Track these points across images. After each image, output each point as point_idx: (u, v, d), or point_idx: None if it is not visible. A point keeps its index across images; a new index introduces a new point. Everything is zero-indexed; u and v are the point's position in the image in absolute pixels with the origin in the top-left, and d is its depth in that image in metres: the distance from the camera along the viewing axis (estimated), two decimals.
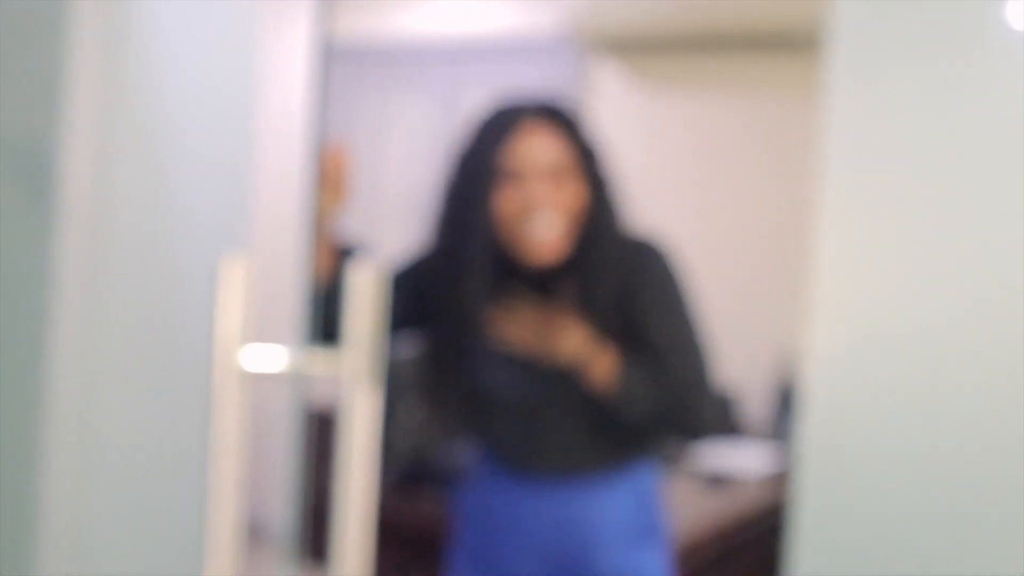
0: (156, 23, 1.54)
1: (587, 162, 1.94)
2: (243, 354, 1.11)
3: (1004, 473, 1.45)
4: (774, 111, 4.41)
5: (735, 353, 4.25)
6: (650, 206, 4.48)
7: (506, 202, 1.89)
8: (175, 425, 1.20)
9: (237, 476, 1.12)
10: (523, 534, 2.02)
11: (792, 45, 4.22)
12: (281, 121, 1.34)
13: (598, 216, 1.93)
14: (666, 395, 1.93)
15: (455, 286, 1.92)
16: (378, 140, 5.33)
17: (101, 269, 1.25)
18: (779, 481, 3.54)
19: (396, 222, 5.28)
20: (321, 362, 1.13)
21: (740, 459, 3.71)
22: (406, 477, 3.13)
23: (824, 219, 1.50)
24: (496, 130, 1.94)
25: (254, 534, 1.20)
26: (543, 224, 1.87)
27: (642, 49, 4.61)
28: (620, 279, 1.94)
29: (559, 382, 1.96)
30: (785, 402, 4.11)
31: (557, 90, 4.81)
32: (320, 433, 1.25)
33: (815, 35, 4.02)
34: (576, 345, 1.90)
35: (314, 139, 1.11)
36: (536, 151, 1.90)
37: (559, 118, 1.95)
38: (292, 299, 1.17)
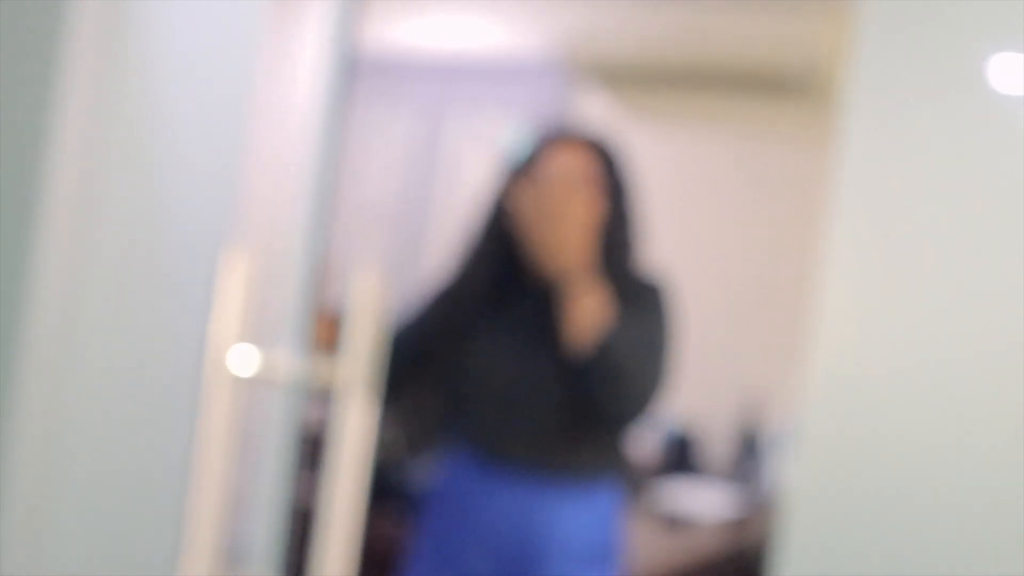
0: (155, 30, 1.52)
1: (611, 186, 2.04)
2: (236, 355, 1.07)
3: (1001, 518, 1.44)
4: (760, 152, 4.41)
5: (699, 393, 4.24)
6: None
7: (526, 202, 1.98)
8: (158, 429, 1.16)
9: (220, 484, 1.07)
10: (483, 527, 2.06)
11: (784, 88, 4.23)
12: (287, 125, 1.32)
13: (609, 235, 2.02)
14: (632, 377, 2.00)
15: (464, 273, 2.07)
16: (361, 152, 5.30)
17: (86, 266, 1.21)
18: (739, 526, 3.52)
19: (375, 234, 5.25)
20: (317, 370, 1.09)
21: (700, 501, 3.69)
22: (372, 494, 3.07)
23: (829, 264, 1.48)
24: (538, 142, 2.08)
25: (233, 551, 1.17)
26: (565, 230, 1.95)
27: (632, 80, 4.61)
28: (620, 312, 2.01)
29: (544, 370, 2.02)
30: (748, 445, 4.10)
31: (549, 113, 4.80)
32: (305, 451, 1.22)
33: (808, 79, 4.04)
34: (577, 259, 1.95)
35: (329, 146, 1.08)
36: (565, 163, 2.02)
37: (596, 145, 2.07)
38: (291, 304, 1.13)
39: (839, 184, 1.52)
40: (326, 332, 1.94)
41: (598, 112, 4.72)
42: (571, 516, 2.06)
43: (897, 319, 1.50)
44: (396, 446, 3.27)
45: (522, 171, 2.05)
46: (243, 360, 1.08)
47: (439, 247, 5.11)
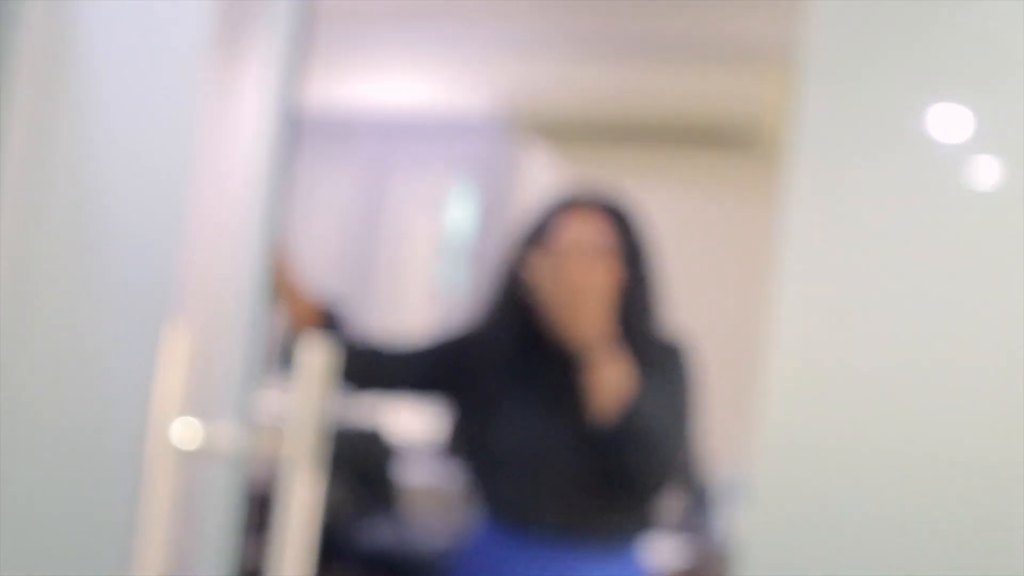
0: (92, 98, 1.50)
1: (627, 251, 2.05)
2: (178, 427, 1.05)
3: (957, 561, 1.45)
4: (706, 205, 4.45)
5: None
6: None
7: (543, 273, 1.97)
8: (101, 500, 1.14)
9: (164, 554, 1.06)
10: None
11: (727, 141, 4.27)
12: (229, 190, 1.31)
13: (628, 301, 2.02)
14: (658, 445, 1.99)
15: (492, 351, 2.06)
16: (304, 209, 5.28)
17: (26, 339, 1.19)
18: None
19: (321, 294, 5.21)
20: (263, 442, 1.08)
21: (650, 552, 3.67)
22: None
23: (778, 315, 1.50)
24: (551, 209, 2.07)
25: None
26: (582, 298, 1.95)
27: (575, 136, 4.64)
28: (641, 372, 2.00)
29: (567, 438, 2.01)
30: (698, 495, 4.10)
31: (495, 170, 4.82)
32: (254, 512, 1.20)
33: (751, 132, 4.08)
34: (598, 324, 1.95)
35: (272, 211, 1.07)
36: (580, 230, 2.02)
37: (610, 210, 2.08)
38: (235, 375, 1.12)
39: (785, 238, 1.53)
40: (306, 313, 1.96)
41: (541, 167, 4.75)
42: None
43: (846, 371, 1.51)
44: (344, 505, 3.24)
45: (537, 239, 2.05)
46: (186, 432, 1.06)
47: (387, 306, 5.11)
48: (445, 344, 2.19)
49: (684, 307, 4.20)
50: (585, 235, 2.02)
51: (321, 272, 5.13)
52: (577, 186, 2.15)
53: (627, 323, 2.01)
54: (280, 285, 1.84)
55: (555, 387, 2.03)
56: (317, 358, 1.07)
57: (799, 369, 1.54)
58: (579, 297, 1.94)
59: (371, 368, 2.15)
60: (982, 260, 1.48)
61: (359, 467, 3.04)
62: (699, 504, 4.07)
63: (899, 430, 1.48)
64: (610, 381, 1.94)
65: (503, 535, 2.09)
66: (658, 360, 2.05)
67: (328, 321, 2.06)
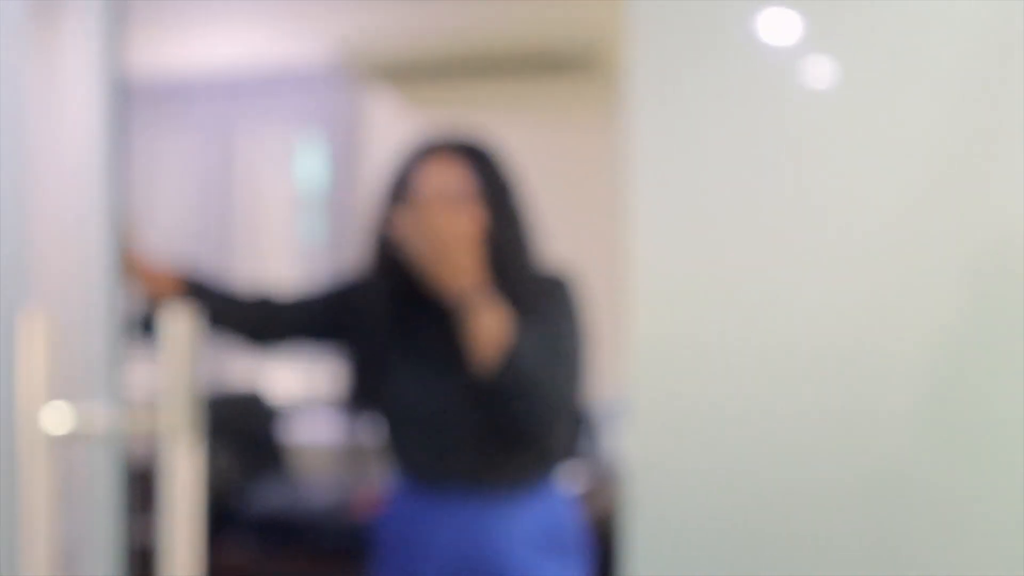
0: None
1: (491, 192, 2.02)
2: (48, 414, 1.03)
3: (827, 471, 1.49)
4: (551, 131, 4.47)
5: None
6: None
7: (407, 228, 1.95)
8: None
9: (49, 544, 1.04)
10: (435, 548, 2.05)
11: (564, 66, 4.29)
12: (69, 167, 1.28)
13: (498, 243, 1.99)
14: (537, 395, 1.99)
15: (373, 308, 2.04)
16: (150, 179, 5.17)
17: None
18: (582, 500, 3.56)
19: (178, 260, 5.12)
20: (137, 419, 1.07)
21: None
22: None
23: (635, 236, 1.52)
24: (408, 160, 2.04)
25: None
26: (444, 248, 1.93)
27: (415, 75, 4.62)
28: (522, 312, 1.99)
29: (458, 392, 2.01)
30: (584, 422, 4.15)
31: (341, 118, 4.77)
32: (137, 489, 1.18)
33: (586, 55, 4.10)
34: (469, 274, 1.94)
35: (113, 185, 1.04)
36: (439, 178, 1.99)
37: (468, 152, 2.05)
38: (98, 354, 1.09)
39: (630, 154, 1.55)
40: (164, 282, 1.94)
41: (386, 111, 4.72)
42: (518, 525, 2.05)
43: (705, 277, 1.55)
44: (229, 473, 3.21)
45: (398, 191, 2.02)
46: (56, 417, 1.04)
47: (248, 264, 5.05)
48: (330, 294, 2.17)
49: (543, 236, 4.24)
50: (444, 182, 1.99)
51: (178, 237, 5.04)
52: (432, 132, 2.11)
53: (501, 265, 2.00)
54: (129, 261, 1.76)
55: (441, 340, 2.01)
56: (181, 326, 1.06)
57: (661, 282, 1.56)
58: (446, 246, 1.92)
59: (259, 319, 2.14)
60: (822, 157, 1.50)
61: (242, 431, 3.02)
62: (585, 429, 4.12)
63: (761, 328, 1.52)
64: (487, 329, 1.93)
65: (415, 491, 2.10)
66: (538, 297, 2.05)
67: (190, 289, 2.02)
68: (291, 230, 5.03)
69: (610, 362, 4.08)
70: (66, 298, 1.24)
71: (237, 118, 5.04)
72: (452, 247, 1.92)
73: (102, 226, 1.07)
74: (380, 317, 2.06)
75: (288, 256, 5.02)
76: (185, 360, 1.05)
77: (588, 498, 3.56)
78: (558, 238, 4.31)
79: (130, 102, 1.22)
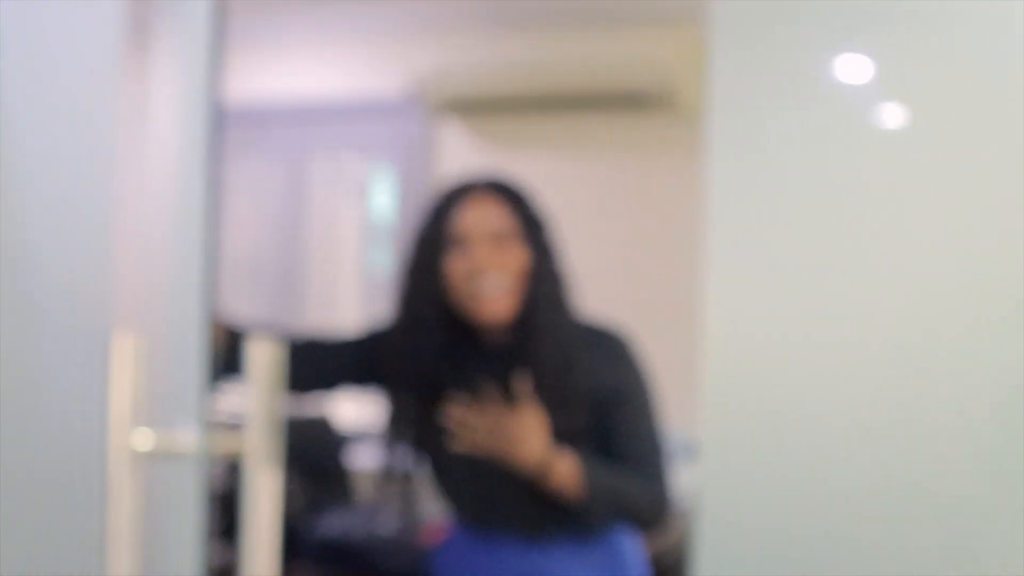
0: (10, 114, 1.48)
1: (529, 230, 2.03)
2: (136, 435, 1.06)
3: (899, 509, 1.49)
4: (626, 168, 4.48)
5: None
6: None
7: (454, 267, 1.97)
8: (66, 517, 1.15)
9: (133, 563, 1.07)
10: None
11: (640, 104, 4.30)
12: (163, 193, 1.31)
13: (541, 279, 2.00)
14: (631, 503, 2.00)
15: (415, 355, 2.02)
16: (229, 204, 5.25)
17: None
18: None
19: (242, 285, 5.20)
20: (222, 442, 1.09)
21: None
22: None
23: (710, 272, 1.53)
24: (446, 202, 2.03)
25: None
26: (489, 283, 1.95)
27: (490, 111, 4.65)
28: (587, 370, 2.00)
29: None
30: None
31: (413, 150, 4.81)
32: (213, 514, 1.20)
33: (665, 95, 4.11)
34: (536, 453, 1.94)
35: (208, 211, 1.07)
36: (480, 219, 1.99)
37: (503, 191, 2.05)
38: (187, 377, 1.12)
39: (708, 196, 1.56)
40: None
41: (457, 145, 4.76)
42: (579, 565, 2.04)
43: (780, 322, 1.55)
44: (298, 497, 3.25)
45: (436, 235, 2.01)
46: (145, 440, 1.07)
47: (318, 292, 5.11)
48: (367, 338, 2.15)
49: (618, 271, 4.25)
50: (484, 222, 1.99)
51: (250, 264, 5.11)
52: (467, 173, 2.12)
53: (540, 294, 2.00)
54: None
55: (488, 385, 2.00)
56: (267, 355, 1.08)
57: (735, 322, 1.57)
58: (489, 283, 1.94)
59: (304, 367, 2.06)
60: (898, 201, 1.52)
61: (311, 455, 3.05)
62: None
63: (834, 369, 1.52)
64: (562, 478, 1.94)
65: (471, 536, 2.09)
66: (603, 353, 2.04)
67: (231, 336, 1.98)
68: (361, 258, 5.08)
69: (672, 400, 4.07)
70: (157, 321, 1.27)
71: (312, 145, 5.12)
72: (496, 282, 1.94)
73: (196, 251, 1.10)
74: (419, 361, 2.03)
75: (356, 284, 5.07)
76: (269, 387, 1.08)
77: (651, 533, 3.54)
78: (627, 273, 4.32)
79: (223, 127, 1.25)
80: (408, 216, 4.85)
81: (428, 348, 2.02)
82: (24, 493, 1.16)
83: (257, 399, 1.08)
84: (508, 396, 1.98)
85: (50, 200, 1.54)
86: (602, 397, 2.00)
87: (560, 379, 1.97)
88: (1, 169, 1.54)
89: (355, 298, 5.05)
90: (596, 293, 4.41)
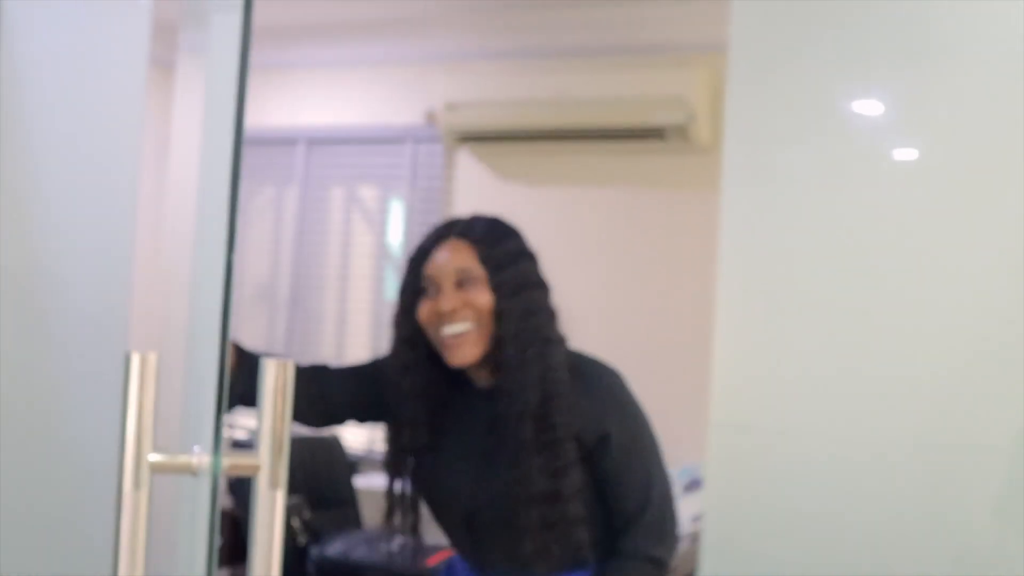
0: (34, 135, 1.50)
1: (496, 271, 2.05)
2: (149, 454, 1.08)
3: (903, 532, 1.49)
4: (640, 202, 4.50)
5: None
6: None
7: (423, 311, 2.03)
8: (80, 530, 1.16)
9: None
10: None
11: (648, 138, 4.32)
12: (182, 215, 1.33)
13: (508, 319, 2.02)
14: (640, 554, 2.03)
15: (404, 395, 2.08)
16: (242, 229, 5.29)
17: None
18: None
19: (257, 310, 5.22)
20: (233, 461, 1.11)
21: None
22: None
23: (722, 310, 1.54)
24: (424, 247, 2.10)
25: None
26: (450, 328, 2.00)
27: (507, 144, 4.68)
28: (574, 406, 2.02)
29: (506, 486, 2.00)
30: None
31: (430, 181, 4.84)
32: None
33: (681, 130, 4.12)
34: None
35: (230, 237, 1.09)
36: (447, 263, 2.04)
37: (474, 234, 2.08)
38: (203, 397, 1.14)
39: (723, 224, 1.58)
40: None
41: (474, 176, 4.79)
42: None
43: (792, 348, 1.56)
44: (304, 516, 3.25)
45: (416, 278, 2.07)
46: (159, 460, 1.09)
47: (332, 319, 5.13)
48: (372, 369, 2.20)
49: (628, 305, 4.25)
50: (451, 264, 2.03)
51: (265, 290, 5.13)
52: (450, 218, 2.18)
53: (514, 345, 2.01)
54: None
55: (478, 426, 2.04)
56: (279, 375, 1.10)
57: (745, 356, 1.57)
58: (452, 328, 1.98)
59: (309, 397, 2.10)
60: (908, 233, 1.54)
61: (319, 478, 3.05)
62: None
63: (847, 406, 1.52)
64: None
65: (464, 567, 2.12)
66: (586, 386, 2.06)
67: (241, 360, 2.01)
68: (375, 286, 5.10)
69: (680, 431, 4.07)
70: (173, 341, 1.29)
71: (329, 173, 5.16)
72: (459, 323, 1.98)
73: (215, 272, 1.12)
74: (407, 401, 2.07)
75: (370, 311, 5.09)
76: (281, 407, 1.09)
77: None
78: (642, 303, 4.32)
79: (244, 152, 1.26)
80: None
81: (413, 389, 2.07)
82: (37, 507, 1.18)
83: (269, 419, 1.09)
84: (494, 434, 2.00)
85: (71, 219, 1.56)
86: (593, 439, 2.02)
87: (541, 414, 1.99)
88: (25, 188, 1.56)
89: (369, 324, 5.07)
90: (608, 325, 4.43)
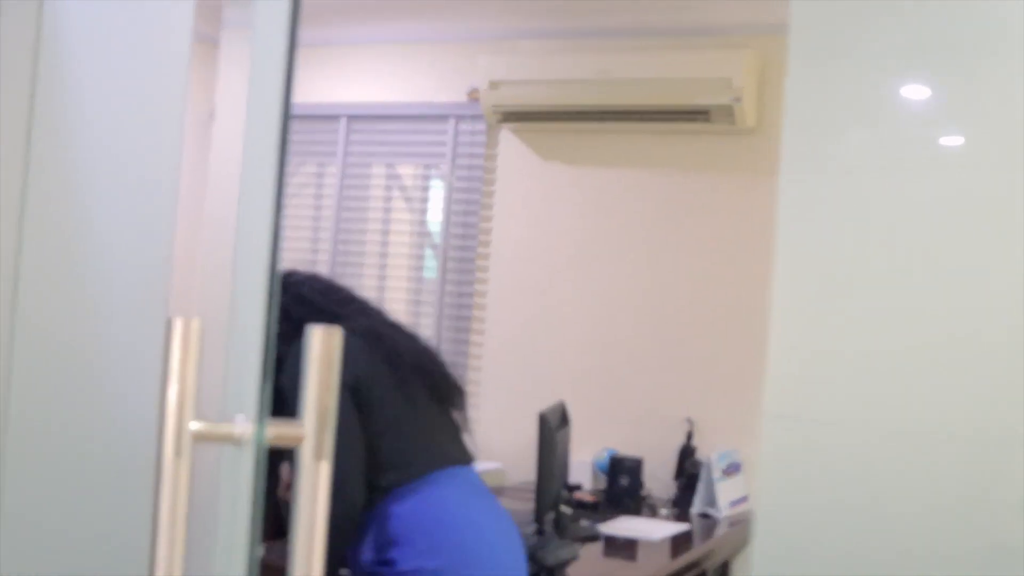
0: (80, 102, 1.49)
1: None
2: (193, 425, 1.05)
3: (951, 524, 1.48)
4: (666, 183, 4.45)
5: (641, 422, 4.24)
6: (542, 262, 4.47)
7: None
8: (115, 504, 1.14)
9: (181, 551, 1.05)
10: None
11: (693, 119, 4.27)
12: (229, 185, 1.31)
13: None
14: None
15: None
16: (289, 203, 5.27)
17: (25, 345, 1.18)
18: (684, 548, 3.54)
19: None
20: (280, 433, 1.08)
21: (644, 526, 3.69)
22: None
23: (777, 292, 1.52)
24: None
25: None
26: None
27: (539, 121, 4.65)
28: None
29: None
30: (689, 471, 4.13)
31: (472, 160, 4.80)
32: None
33: (718, 110, 4.07)
34: None
35: (277, 205, 1.07)
36: None
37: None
38: (247, 365, 1.11)
39: (780, 208, 1.55)
40: None
41: (516, 156, 4.75)
42: None
43: (846, 330, 1.54)
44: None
45: None
46: (197, 428, 1.06)
47: (372, 296, 5.10)
48: None
49: (668, 287, 4.21)
50: None
51: (305, 266, 5.12)
52: None
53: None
54: None
55: None
56: (327, 340, 1.07)
57: (800, 335, 1.55)
58: None
59: None
60: (964, 223, 1.53)
61: None
62: (689, 479, 4.09)
63: (899, 393, 1.50)
64: None
65: None
66: None
67: None
68: (413, 263, 5.07)
69: (722, 419, 4.03)
70: (216, 307, 1.27)
71: (371, 150, 5.13)
72: None
73: (263, 239, 1.09)
74: None
75: (408, 289, 5.06)
76: (327, 375, 1.06)
77: (687, 546, 3.53)
78: (689, 287, 4.28)
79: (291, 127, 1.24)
80: (458, 225, 4.84)
81: None
82: (76, 474, 1.16)
83: (315, 388, 1.06)
84: None
85: (116, 190, 1.55)
86: None
87: None
88: (71, 157, 1.54)
89: (407, 302, 5.04)
90: (648, 306, 4.38)
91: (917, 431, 1.50)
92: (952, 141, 1.56)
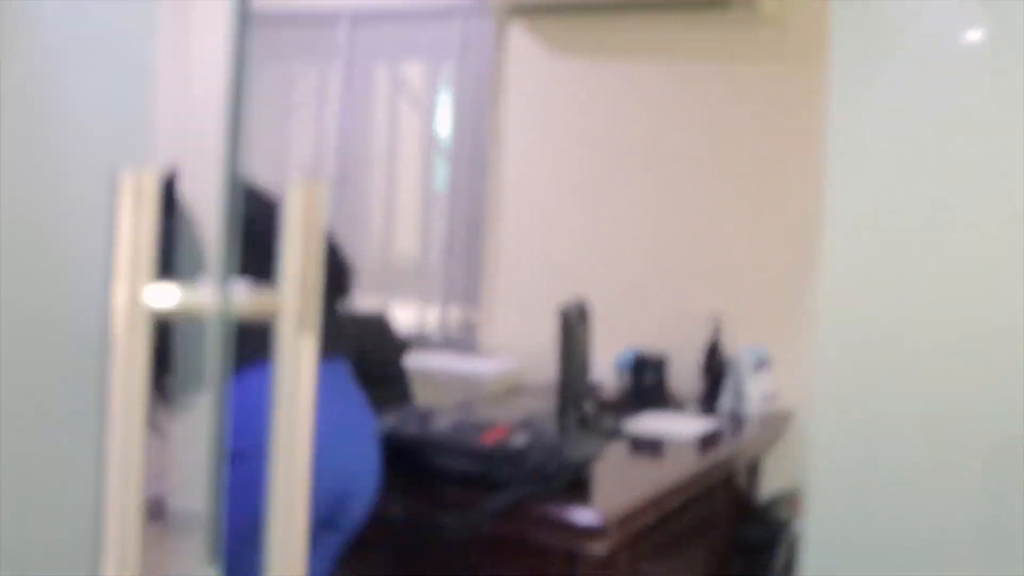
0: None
1: None
2: (152, 291, 0.89)
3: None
4: (681, 75, 4.26)
5: (666, 318, 4.12)
6: (556, 164, 4.32)
7: None
8: (64, 381, 0.99)
9: (140, 447, 0.90)
10: None
11: (710, 8, 4.09)
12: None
13: None
14: None
15: None
16: (285, 107, 5.11)
17: None
18: (712, 445, 3.44)
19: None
20: (251, 301, 0.92)
21: (670, 424, 3.58)
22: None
23: (826, 185, 1.48)
24: None
25: (168, 521, 1.01)
26: None
27: (550, 13, 4.46)
28: None
29: None
30: (716, 368, 4.01)
31: (479, 55, 4.60)
32: None
33: None
34: None
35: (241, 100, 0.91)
36: None
37: None
38: (212, 229, 0.96)
39: (830, 139, 1.54)
40: None
41: (526, 50, 4.56)
42: None
43: (898, 269, 1.53)
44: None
45: None
46: (160, 296, 0.90)
47: (379, 204, 4.94)
48: None
49: (692, 178, 4.04)
50: None
51: (309, 173, 4.96)
52: None
53: None
54: None
55: None
56: (308, 198, 0.91)
57: (849, 239, 1.53)
58: None
59: None
60: (1013, 152, 1.45)
61: (367, 356, 2.91)
62: (716, 377, 3.99)
63: (950, 290, 1.49)
64: None
65: None
66: None
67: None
68: (425, 172, 4.89)
69: (752, 315, 3.89)
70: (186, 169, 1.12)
71: (374, 50, 4.93)
72: None
73: (225, 103, 0.93)
74: None
75: (417, 196, 4.90)
76: (309, 235, 0.91)
77: (717, 443, 3.44)
78: (698, 182, 4.12)
79: (270, 26, 1.08)
80: (468, 126, 4.66)
81: None
82: (18, 347, 1.01)
83: (296, 250, 0.91)
84: None
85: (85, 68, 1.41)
86: None
87: None
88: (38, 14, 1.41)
89: (416, 210, 4.89)
90: (667, 203, 4.22)
91: (980, 334, 1.47)
92: (1011, 68, 1.52)
